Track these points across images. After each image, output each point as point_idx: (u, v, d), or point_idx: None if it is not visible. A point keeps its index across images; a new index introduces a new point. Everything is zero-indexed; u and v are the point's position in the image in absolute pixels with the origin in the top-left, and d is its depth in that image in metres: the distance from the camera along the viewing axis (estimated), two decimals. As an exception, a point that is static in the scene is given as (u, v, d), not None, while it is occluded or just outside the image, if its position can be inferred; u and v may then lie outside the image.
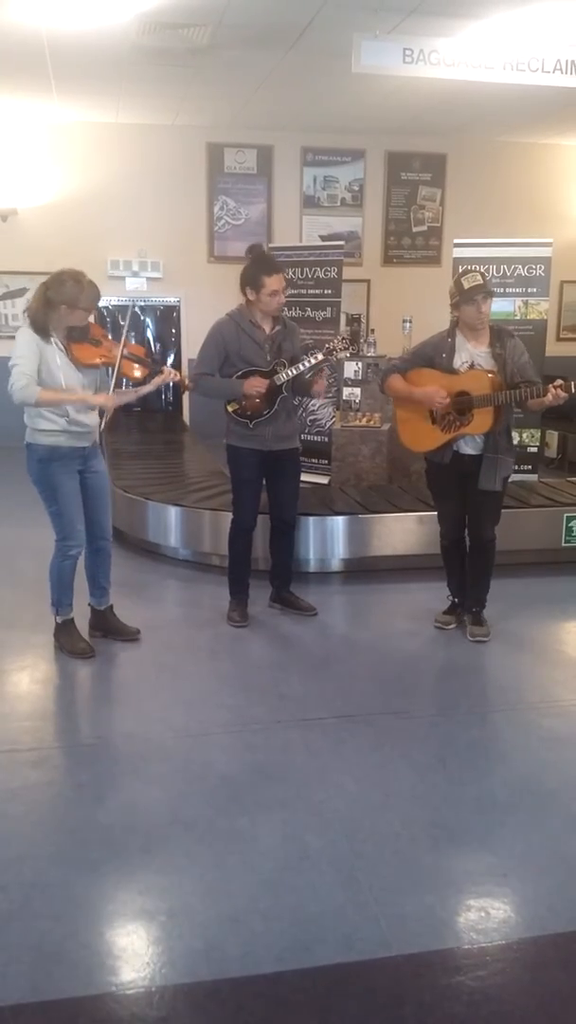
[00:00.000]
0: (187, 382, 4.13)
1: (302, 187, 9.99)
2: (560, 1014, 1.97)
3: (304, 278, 7.07)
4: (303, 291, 7.05)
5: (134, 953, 2.15)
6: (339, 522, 5.09)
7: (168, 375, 3.92)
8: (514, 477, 4.30)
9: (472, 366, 3.92)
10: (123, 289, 9.57)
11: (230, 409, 4.15)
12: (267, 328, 4.12)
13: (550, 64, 5.77)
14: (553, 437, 8.41)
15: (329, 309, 7.00)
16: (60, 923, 2.23)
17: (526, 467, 6.18)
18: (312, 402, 6.85)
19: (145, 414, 9.38)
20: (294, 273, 6.92)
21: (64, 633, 3.98)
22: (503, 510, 4.17)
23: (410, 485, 6.06)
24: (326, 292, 6.99)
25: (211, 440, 6.65)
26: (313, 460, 6.95)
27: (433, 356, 4.00)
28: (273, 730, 3.29)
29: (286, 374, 4.06)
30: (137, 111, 8.86)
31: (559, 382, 3.67)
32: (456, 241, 6.44)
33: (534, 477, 6.26)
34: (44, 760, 3.08)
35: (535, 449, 6.48)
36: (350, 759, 3.09)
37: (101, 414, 3.92)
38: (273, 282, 4.00)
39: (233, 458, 4.26)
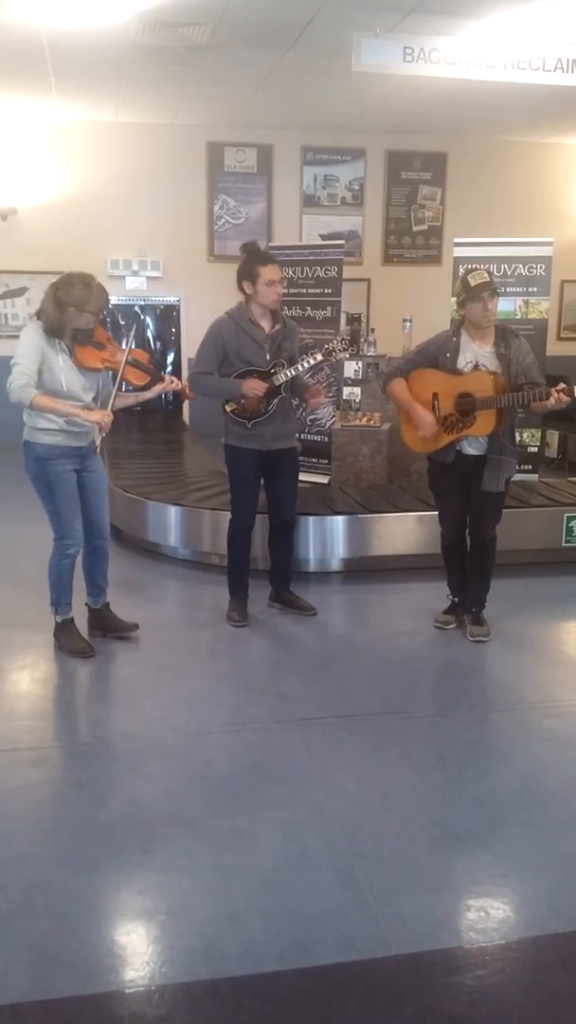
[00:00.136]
0: (188, 391, 4.11)
1: (302, 186, 9.98)
2: (560, 1014, 1.97)
3: (304, 277, 7.05)
4: (303, 290, 7.03)
5: (134, 952, 2.16)
6: (339, 522, 5.09)
7: (169, 384, 3.92)
8: (515, 477, 4.30)
9: (476, 366, 3.89)
10: (123, 288, 9.57)
11: (228, 409, 4.15)
12: (267, 327, 4.11)
13: (551, 63, 5.77)
14: (554, 437, 8.42)
15: (329, 308, 6.98)
16: (60, 922, 2.23)
17: (526, 467, 6.17)
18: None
19: (145, 414, 9.35)
20: (294, 272, 6.91)
21: (64, 632, 3.98)
22: (503, 510, 4.16)
23: (410, 485, 6.06)
24: (326, 291, 6.98)
25: (211, 440, 6.63)
26: (313, 460, 6.94)
27: (437, 356, 3.97)
28: (273, 730, 3.29)
29: (285, 374, 4.05)
30: (137, 110, 8.85)
31: (562, 386, 3.64)
32: (457, 240, 6.42)
33: (534, 477, 6.26)
34: (44, 759, 3.08)
35: (535, 449, 6.48)
36: (350, 759, 3.09)
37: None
38: (268, 271, 3.98)
39: (231, 458, 4.26)
